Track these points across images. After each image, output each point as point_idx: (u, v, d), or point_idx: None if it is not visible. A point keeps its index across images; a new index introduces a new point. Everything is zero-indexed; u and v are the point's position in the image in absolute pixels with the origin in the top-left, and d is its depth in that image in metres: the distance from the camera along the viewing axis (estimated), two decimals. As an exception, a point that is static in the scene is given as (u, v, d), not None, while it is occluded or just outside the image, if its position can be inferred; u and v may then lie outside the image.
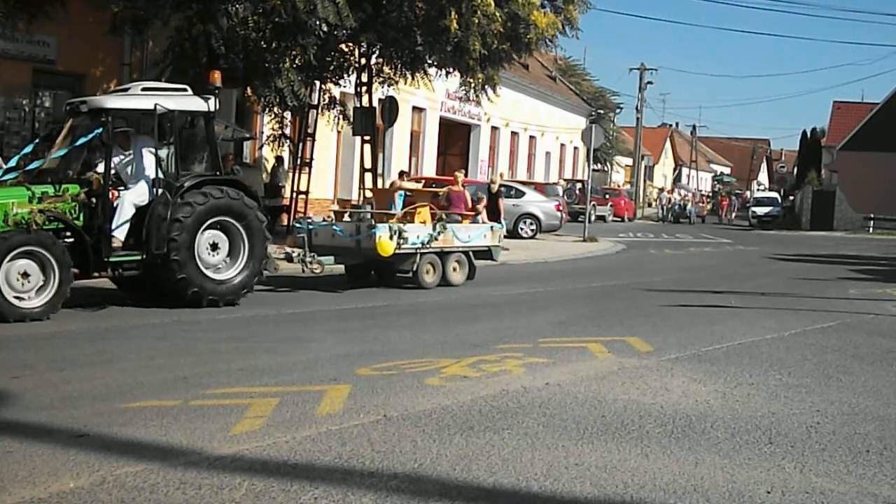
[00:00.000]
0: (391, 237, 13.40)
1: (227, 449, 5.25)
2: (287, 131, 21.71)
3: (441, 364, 7.90)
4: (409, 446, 5.41)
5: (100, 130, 10.87)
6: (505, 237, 21.59)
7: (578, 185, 41.69)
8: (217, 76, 12.03)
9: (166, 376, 7.26)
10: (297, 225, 14.42)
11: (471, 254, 15.06)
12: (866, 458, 5.48)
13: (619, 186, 56.30)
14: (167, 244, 10.88)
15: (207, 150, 11.96)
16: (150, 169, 11.17)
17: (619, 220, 46.74)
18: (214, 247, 11.48)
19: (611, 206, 46.24)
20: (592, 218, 33.21)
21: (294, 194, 22.24)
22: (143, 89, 11.66)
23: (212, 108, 11.75)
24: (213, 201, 11.26)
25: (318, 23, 15.87)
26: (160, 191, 11.09)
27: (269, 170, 23.03)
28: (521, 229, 27.76)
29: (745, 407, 6.67)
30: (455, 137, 37.97)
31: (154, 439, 5.44)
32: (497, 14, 17.55)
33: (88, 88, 17.93)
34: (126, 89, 11.89)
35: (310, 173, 22.18)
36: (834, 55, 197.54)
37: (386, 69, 20.90)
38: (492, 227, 15.84)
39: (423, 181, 24.75)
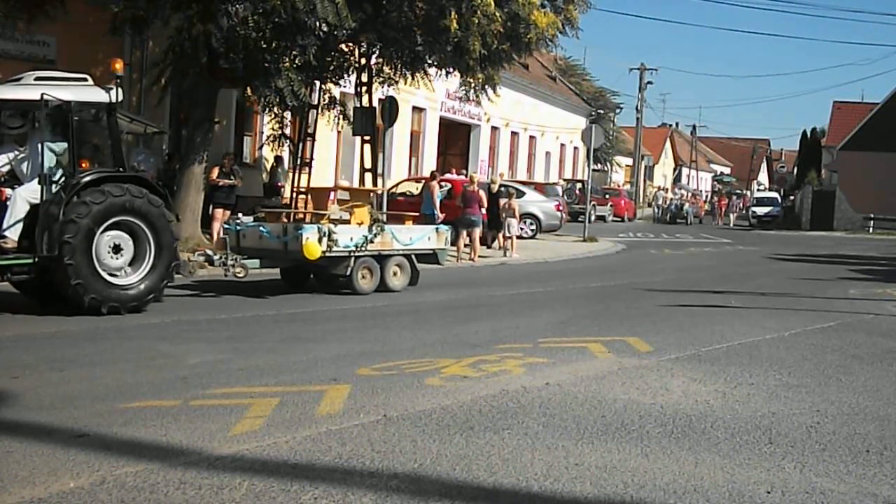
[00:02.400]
0: (320, 239, 12.45)
1: (227, 449, 5.25)
2: (287, 131, 21.71)
3: (441, 364, 7.90)
4: (409, 446, 5.41)
5: None
6: (506, 237, 21.79)
7: (578, 185, 41.71)
8: (119, 64, 11.06)
9: (166, 376, 7.26)
10: (227, 226, 13.59)
11: (413, 258, 14.04)
12: (866, 458, 5.48)
13: (619, 186, 56.31)
14: (60, 246, 9.99)
15: (110, 144, 11.07)
16: (46, 165, 10.31)
17: (619, 220, 46.75)
18: (117, 249, 10.58)
19: (611, 206, 46.26)
20: (592, 218, 33.21)
21: (294, 194, 22.24)
22: (37, 78, 10.70)
23: (114, 100, 10.81)
24: (112, 200, 10.36)
25: (317, 23, 15.87)
26: (56, 188, 10.28)
27: (269, 169, 23.04)
28: (522, 229, 27.77)
29: (745, 407, 6.67)
30: (455, 137, 37.98)
31: (154, 439, 5.43)
32: (497, 14, 17.56)
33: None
34: (19, 79, 10.90)
35: (310, 173, 22.18)
36: (834, 55, 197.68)
37: (386, 69, 20.92)
38: (437, 228, 14.81)
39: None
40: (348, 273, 13.05)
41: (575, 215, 34.08)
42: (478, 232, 19.93)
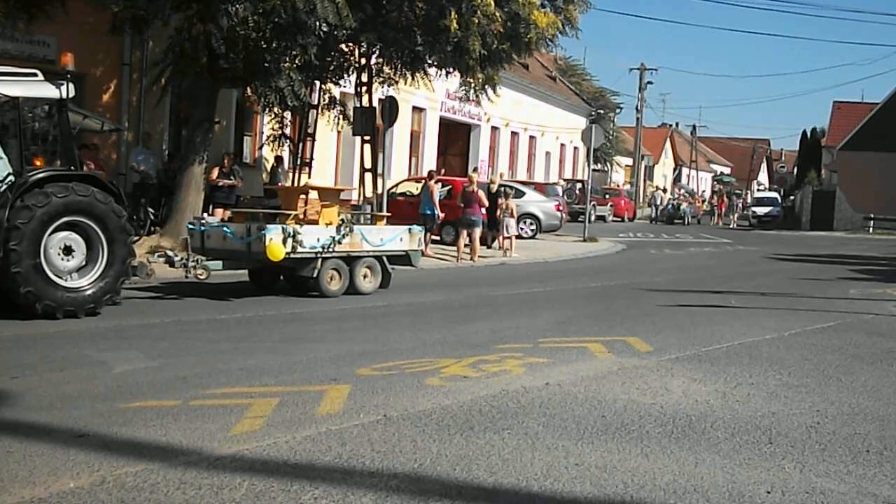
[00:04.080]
0: (284, 240, 12.06)
1: (227, 449, 5.25)
2: (287, 131, 21.74)
3: (441, 364, 7.90)
4: (409, 446, 5.41)
5: None
6: (505, 237, 21.82)
7: (578, 185, 41.70)
8: (68, 58, 10.63)
9: (166, 376, 7.26)
10: (190, 226, 13.30)
11: (385, 259, 13.59)
12: (866, 458, 5.48)
13: (619, 186, 56.30)
14: (5, 248, 9.69)
15: (60, 141, 10.75)
16: None
17: (619, 220, 46.78)
18: (68, 251, 10.23)
19: (611, 206, 46.29)
20: (592, 218, 33.22)
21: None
22: None
23: (65, 95, 10.48)
24: (63, 199, 10.02)
25: (317, 23, 15.87)
26: (2, 188, 9.97)
27: (269, 169, 23.05)
28: (521, 229, 27.79)
29: (745, 407, 6.67)
30: (455, 137, 37.97)
31: (154, 439, 5.44)
32: (497, 14, 17.56)
33: (88, 89, 17.94)
34: None
35: (310, 173, 22.21)
36: (834, 55, 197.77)
37: (386, 69, 20.93)
38: (409, 229, 14.16)
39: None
40: (315, 275, 12.64)
41: (575, 215, 34.09)
42: (478, 232, 19.95)
